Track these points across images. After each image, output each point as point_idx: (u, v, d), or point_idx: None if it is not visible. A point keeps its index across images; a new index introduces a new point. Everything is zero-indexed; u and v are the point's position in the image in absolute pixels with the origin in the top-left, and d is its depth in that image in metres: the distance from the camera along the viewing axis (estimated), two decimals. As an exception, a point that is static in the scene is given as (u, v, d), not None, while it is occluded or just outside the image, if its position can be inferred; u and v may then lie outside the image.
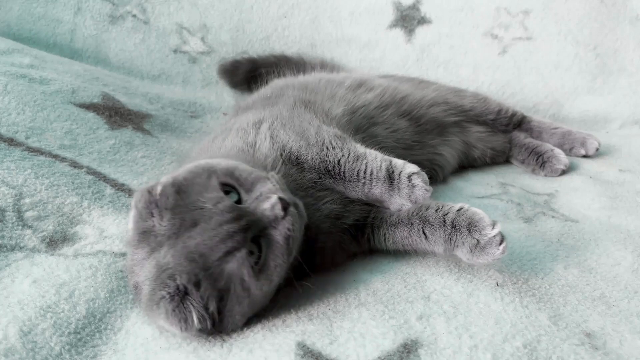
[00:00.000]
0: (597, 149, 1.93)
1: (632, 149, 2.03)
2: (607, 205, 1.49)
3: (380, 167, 1.15)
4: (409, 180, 1.12)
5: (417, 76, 2.16)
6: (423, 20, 2.55)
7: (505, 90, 2.47)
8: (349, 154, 1.19)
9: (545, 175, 1.80)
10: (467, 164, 1.89)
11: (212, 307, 0.86)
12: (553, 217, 1.41)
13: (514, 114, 1.99)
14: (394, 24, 2.57)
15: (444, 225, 1.08)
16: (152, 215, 0.91)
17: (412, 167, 1.14)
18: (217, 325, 0.90)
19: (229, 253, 0.88)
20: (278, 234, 0.93)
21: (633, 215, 1.40)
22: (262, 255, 0.92)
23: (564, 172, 1.78)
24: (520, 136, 1.95)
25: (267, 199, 0.94)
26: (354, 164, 1.18)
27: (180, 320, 0.85)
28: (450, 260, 1.15)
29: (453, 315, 0.95)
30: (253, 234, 0.92)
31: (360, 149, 1.22)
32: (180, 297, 0.85)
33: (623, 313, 0.97)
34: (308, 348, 0.88)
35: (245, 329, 0.96)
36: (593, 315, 0.97)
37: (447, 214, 1.09)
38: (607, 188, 1.62)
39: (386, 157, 1.19)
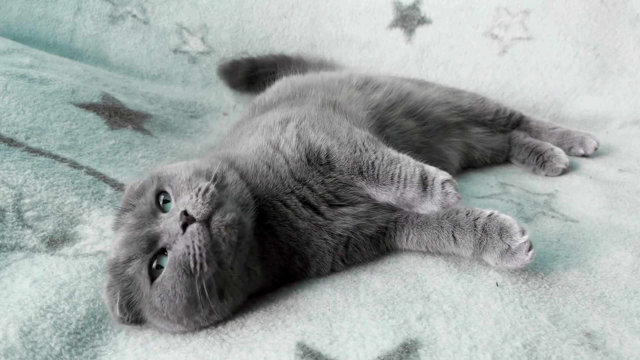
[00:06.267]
0: (596, 148, 1.93)
1: (632, 149, 2.03)
2: (607, 205, 1.49)
3: (414, 172, 1.15)
4: (442, 187, 1.12)
5: (415, 77, 2.16)
6: (423, 20, 2.55)
7: (505, 90, 2.47)
8: (382, 157, 1.19)
9: (546, 175, 1.80)
10: (467, 165, 1.89)
11: (125, 302, 0.95)
12: (553, 217, 1.41)
13: (512, 114, 1.99)
14: (394, 24, 2.57)
15: (474, 230, 1.08)
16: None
17: (444, 174, 1.14)
18: (145, 322, 0.98)
19: (130, 259, 0.94)
20: (176, 250, 0.91)
21: (633, 215, 1.40)
22: (164, 269, 0.92)
23: (564, 172, 1.78)
24: (520, 136, 1.95)
25: (176, 212, 0.94)
26: (388, 167, 1.17)
27: (112, 308, 0.96)
28: (450, 260, 1.15)
29: (453, 315, 0.95)
30: (160, 245, 0.94)
31: (393, 152, 1.22)
32: (113, 288, 0.96)
33: (623, 313, 0.97)
34: (308, 348, 0.88)
35: (244, 328, 0.96)
36: (593, 315, 0.97)
37: (478, 218, 1.09)
38: (607, 188, 1.62)
39: (418, 162, 1.19)
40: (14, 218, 1.18)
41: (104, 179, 1.40)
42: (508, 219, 1.07)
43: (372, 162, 1.18)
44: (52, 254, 1.13)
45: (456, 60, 2.52)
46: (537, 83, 2.45)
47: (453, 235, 1.11)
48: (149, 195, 1.00)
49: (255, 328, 0.96)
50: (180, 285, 0.90)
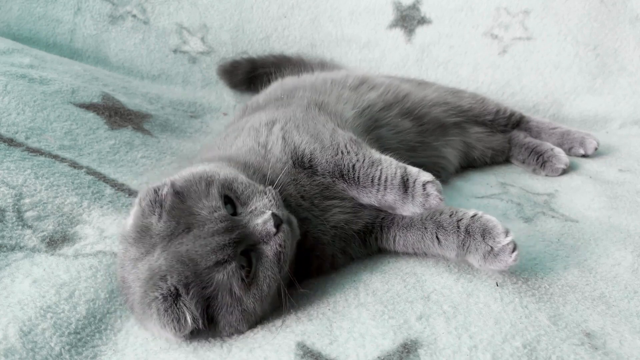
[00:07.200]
0: (596, 149, 1.93)
1: (632, 149, 2.03)
2: (607, 205, 1.49)
3: (395, 174, 1.14)
4: (424, 189, 1.11)
5: (415, 77, 2.16)
6: (423, 20, 2.55)
7: (505, 90, 2.47)
8: (364, 159, 1.18)
9: (546, 175, 1.80)
10: (467, 164, 1.89)
11: (200, 311, 0.88)
12: (553, 217, 1.41)
13: (512, 114, 1.99)
14: (394, 24, 2.57)
15: (457, 231, 1.08)
16: (153, 214, 0.93)
17: (426, 176, 1.13)
18: (211, 331, 0.92)
19: (219, 263, 0.89)
20: (269, 250, 0.94)
21: (633, 215, 1.40)
22: (252, 269, 0.93)
23: (564, 172, 1.78)
24: (520, 136, 1.95)
25: (261, 214, 0.95)
26: (369, 169, 1.16)
27: (173, 320, 0.86)
28: (450, 261, 1.15)
29: (453, 315, 0.95)
30: (244, 247, 0.93)
31: (376, 154, 1.21)
32: (172, 298, 0.86)
33: (623, 313, 0.97)
34: (308, 348, 0.88)
35: (245, 329, 0.96)
36: (593, 315, 0.97)
37: (461, 219, 1.09)
38: (607, 188, 1.62)
39: (401, 164, 1.18)
40: (14, 218, 1.18)
41: (104, 179, 1.40)
42: (492, 219, 1.06)
43: (353, 165, 1.18)
44: (52, 254, 1.13)
45: (456, 60, 2.52)
46: (537, 83, 2.45)
47: (437, 236, 1.11)
48: (217, 200, 0.95)
49: (255, 328, 0.96)
50: (274, 282, 0.94)
